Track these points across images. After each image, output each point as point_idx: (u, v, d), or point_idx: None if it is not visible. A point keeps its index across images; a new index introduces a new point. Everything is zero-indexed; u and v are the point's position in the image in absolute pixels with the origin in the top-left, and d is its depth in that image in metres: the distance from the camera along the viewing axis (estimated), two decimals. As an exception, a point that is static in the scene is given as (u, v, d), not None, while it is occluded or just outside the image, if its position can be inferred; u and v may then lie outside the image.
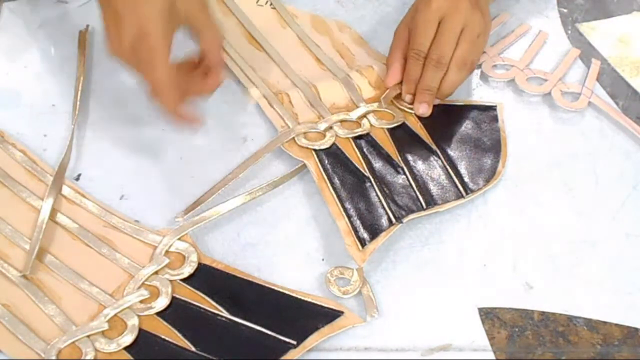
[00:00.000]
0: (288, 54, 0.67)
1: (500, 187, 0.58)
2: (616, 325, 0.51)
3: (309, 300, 0.51)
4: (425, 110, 0.61)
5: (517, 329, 0.50)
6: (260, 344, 0.48)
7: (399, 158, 0.59)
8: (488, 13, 0.62)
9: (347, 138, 0.60)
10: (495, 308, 0.51)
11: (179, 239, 0.53)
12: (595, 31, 0.72)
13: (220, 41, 0.55)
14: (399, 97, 0.63)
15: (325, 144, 0.59)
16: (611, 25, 0.72)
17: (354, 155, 0.59)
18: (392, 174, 0.58)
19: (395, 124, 0.61)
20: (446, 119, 0.62)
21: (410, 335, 0.50)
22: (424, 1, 0.60)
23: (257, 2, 0.72)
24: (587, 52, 0.69)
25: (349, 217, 0.54)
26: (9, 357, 0.47)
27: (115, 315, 0.49)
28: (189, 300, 0.50)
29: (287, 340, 0.48)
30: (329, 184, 0.56)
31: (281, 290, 0.51)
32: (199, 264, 0.52)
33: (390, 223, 0.54)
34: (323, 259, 0.54)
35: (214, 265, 0.52)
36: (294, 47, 0.68)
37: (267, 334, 0.48)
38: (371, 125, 0.61)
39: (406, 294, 0.52)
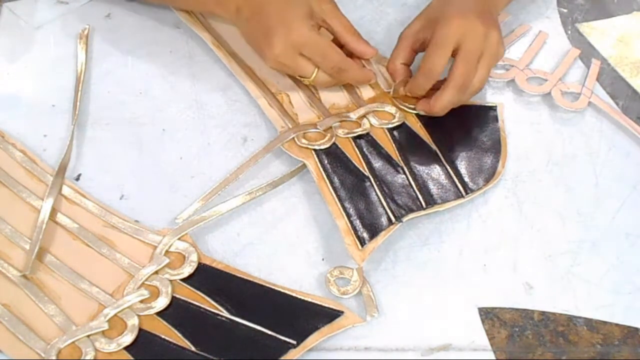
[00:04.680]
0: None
1: (500, 187, 0.58)
2: (616, 325, 0.51)
3: (309, 300, 0.51)
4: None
5: (517, 329, 0.50)
6: (260, 344, 0.48)
7: (399, 158, 0.59)
8: (500, 32, 0.60)
9: (347, 138, 0.60)
10: (495, 308, 0.51)
11: (179, 238, 0.53)
12: (595, 31, 0.72)
13: (352, 29, 0.60)
14: (397, 97, 0.63)
15: (325, 144, 0.59)
16: (611, 25, 0.72)
17: (353, 155, 0.59)
18: (392, 173, 0.58)
19: (395, 124, 0.61)
20: (446, 119, 0.62)
21: (410, 335, 0.50)
22: (444, 16, 0.58)
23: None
24: (587, 52, 0.69)
25: (349, 216, 0.54)
26: (9, 357, 0.48)
27: (115, 315, 0.49)
28: (189, 300, 0.50)
29: (287, 340, 0.48)
30: (328, 184, 0.56)
31: (281, 290, 0.51)
32: (199, 263, 0.52)
33: (390, 222, 0.54)
34: (323, 259, 0.54)
35: (214, 265, 0.52)
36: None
37: (267, 334, 0.49)
38: (371, 125, 0.61)
39: (406, 294, 0.52)
